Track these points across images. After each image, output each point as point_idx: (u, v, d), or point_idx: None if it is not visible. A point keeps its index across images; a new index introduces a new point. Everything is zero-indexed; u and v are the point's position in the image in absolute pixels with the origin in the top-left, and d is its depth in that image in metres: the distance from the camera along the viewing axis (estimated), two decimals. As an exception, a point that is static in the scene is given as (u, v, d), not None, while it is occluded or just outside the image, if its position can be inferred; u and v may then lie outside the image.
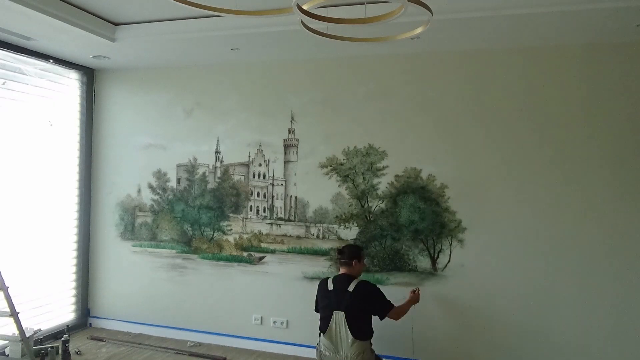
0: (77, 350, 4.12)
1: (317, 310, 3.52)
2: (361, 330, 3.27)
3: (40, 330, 4.01)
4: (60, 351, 3.94)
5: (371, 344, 3.36)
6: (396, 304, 3.45)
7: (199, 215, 4.56)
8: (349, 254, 3.45)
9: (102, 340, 4.44)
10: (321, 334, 3.37)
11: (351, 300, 3.26)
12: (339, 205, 4.12)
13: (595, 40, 3.49)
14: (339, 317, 3.26)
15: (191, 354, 4.15)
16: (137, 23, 3.71)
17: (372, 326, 3.38)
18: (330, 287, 3.38)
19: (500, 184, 3.73)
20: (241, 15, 2.12)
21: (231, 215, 4.46)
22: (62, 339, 3.95)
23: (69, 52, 4.22)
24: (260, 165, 4.38)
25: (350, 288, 3.30)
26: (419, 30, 2.28)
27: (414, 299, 3.63)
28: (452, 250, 3.84)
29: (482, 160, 3.77)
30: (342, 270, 3.46)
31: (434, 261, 3.88)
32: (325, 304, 3.37)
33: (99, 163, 4.84)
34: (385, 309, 3.38)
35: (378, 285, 3.41)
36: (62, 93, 4.56)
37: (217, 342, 4.42)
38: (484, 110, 3.76)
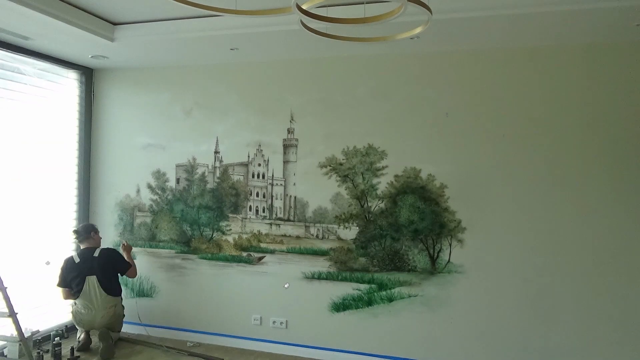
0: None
1: (61, 285, 4.12)
2: (111, 287, 4.12)
3: (38, 331, 4.00)
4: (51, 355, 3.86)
5: (121, 299, 4.26)
6: None
7: (198, 216, 4.55)
8: (84, 230, 4.22)
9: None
10: (76, 301, 4.06)
11: (99, 263, 4.07)
12: (338, 205, 4.11)
13: (595, 40, 3.49)
14: (91, 280, 4.02)
15: (191, 354, 4.15)
16: (136, 23, 3.70)
17: (120, 284, 4.28)
18: (77, 260, 4.09)
19: (499, 183, 3.73)
20: (240, 15, 2.11)
21: (230, 215, 4.45)
22: (54, 342, 3.88)
23: (68, 52, 4.21)
24: (259, 165, 4.37)
25: (96, 254, 4.10)
26: (418, 30, 2.27)
27: (127, 249, 4.45)
28: (451, 250, 3.83)
29: (481, 160, 3.76)
30: (83, 246, 4.20)
31: (433, 261, 3.87)
32: (75, 274, 4.04)
33: (98, 163, 4.83)
34: (125, 266, 4.25)
35: None
36: (61, 93, 4.55)
37: (217, 342, 4.42)
38: (483, 110, 3.76)
